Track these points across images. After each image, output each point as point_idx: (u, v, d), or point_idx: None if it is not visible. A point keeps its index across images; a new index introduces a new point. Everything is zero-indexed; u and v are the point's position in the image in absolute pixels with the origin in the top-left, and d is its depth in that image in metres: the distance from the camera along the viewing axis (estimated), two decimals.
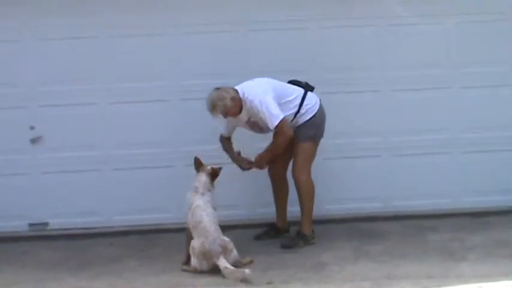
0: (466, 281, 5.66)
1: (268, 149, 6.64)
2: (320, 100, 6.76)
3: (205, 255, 6.04)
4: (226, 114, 6.51)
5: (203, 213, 6.19)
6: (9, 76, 7.30)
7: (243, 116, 6.57)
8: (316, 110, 6.69)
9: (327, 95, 7.23)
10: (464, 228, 7.07)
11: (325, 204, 7.37)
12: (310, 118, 6.67)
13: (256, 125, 6.63)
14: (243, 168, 6.77)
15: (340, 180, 7.42)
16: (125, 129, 7.39)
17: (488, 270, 5.90)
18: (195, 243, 6.10)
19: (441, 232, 7.00)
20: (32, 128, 7.34)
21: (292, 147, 6.69)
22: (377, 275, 5.89)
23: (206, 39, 7.28)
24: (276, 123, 6.40)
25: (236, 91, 6.50)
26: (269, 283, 5.83)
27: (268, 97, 6.43)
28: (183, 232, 6.54)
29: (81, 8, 7.25)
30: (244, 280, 5.80)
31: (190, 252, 6.14)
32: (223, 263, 5.96)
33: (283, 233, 7.03)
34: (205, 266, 6.07)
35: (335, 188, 7.41)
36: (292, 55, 7.32)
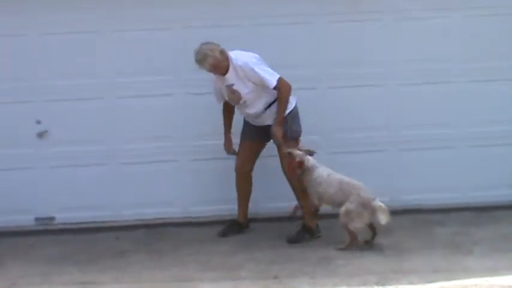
0: (473, 274, 5.66)
1: (279, 110, 6.59)
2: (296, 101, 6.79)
3: (364, 203, 6.29)
4: (214, 68, 6.58)
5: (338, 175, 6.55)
6: (15, 70, 7.30)
7: (228, 78, 6.61)
8: (292, 107, 6.70)
9: (333, 90, 7.29)
10: (470, 223, 7.06)
11: None
12: (288, 114, 6.66)
13: (235, 93, 6.64)
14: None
15: (347, 175, 7.39)
16: (131, 123, 7.39)
17: (495, 264, 5.91)
18: (349, 204, 6.31)
19: (448, 226, 7.00)
20: (38, 122, 7.35)
21: (261, 145, 6.83)
22: (383, 269, 5.89)
23: (212, 33, 7.23)
24: (276, 79, 6.52)
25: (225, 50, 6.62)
26: (275, 277, 5.84)
27: (259, 60, 6.58)
28: (189, 226, 6.59)
29: (85, 2, 7.25)
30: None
31: (346, 218, 6.32)
32: (378, 202, 6.30)
33: (244, 229, 7.06)
34: (366, 218, 6.28)
35: None
36: (300, 50, 7.31)
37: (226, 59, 6.58)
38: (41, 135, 7.37)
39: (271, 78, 6.53)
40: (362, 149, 7.47)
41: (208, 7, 7.28)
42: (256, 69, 6.53)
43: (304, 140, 7.15)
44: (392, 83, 7.42)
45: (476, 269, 5.81)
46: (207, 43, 6.61)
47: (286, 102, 6.61)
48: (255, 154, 6.91)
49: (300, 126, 6.76)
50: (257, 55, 6.68)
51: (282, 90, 6.56)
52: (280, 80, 6.53)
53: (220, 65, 6.59)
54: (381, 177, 7.47)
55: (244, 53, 6.66)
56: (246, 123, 6.91)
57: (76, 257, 6.59)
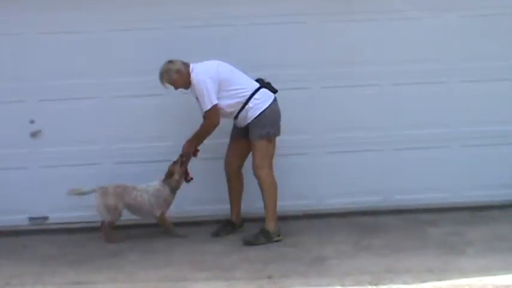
0: (466, 274, 5.66)
1: (195, 134, 6.79)
2: (275, 99, 6.75)
3: None
4: (173, 85, 6.81)
5: None
6: (9, 70, 7.29)
7: (192, 91, 6.77)
8: (264, 107, 6.69)
9: (327, 90, 7.31)
10: (464, 222, 7.08)
11: (326, 198, 7.42)
12: (260, 114, 6.67)
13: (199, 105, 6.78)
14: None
15: (341, 174, 7.43)
16: (125, 123, 7.39)
17: (488, 264, 5.91)
18: None
19: (441, 226, 7.01)
20: (32, 122, 7.34)
21: (247, 144, 6.79)
22: (377, 269, 5.89)
23: (205, 33, 7.27)
24: (207, 108, 6.60)
25: (186, 65, 6.74)
26: (269, 277, 5.83)
27: (209, 81, 6.62)
28: (184, 226, 6.57)
29: (81, 2, 7.24)
30: None
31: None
32: None
33: (238, 229, 7.08)
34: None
35: (336, 182, 7.42)
36: (293, 49, 7.33)
37: (185, 75, 6.71)
38: (34, 134, 7.36)
39: (207, 103, 6.60)
40: (355, 149, 7.48)
41: (200, 7, 7.28)
42: (201, 87, 6.62)
43: (297, 140, 7.20)
44: (386, 82, 7.43)
45: (469, 268, 5.81)
46: (169, 62, 6.78)
47: (202, 136, 6.78)
48: (241, 152, 6.92)
49: (272, 128, 6.71)
50: (221, 66, 6.72)
51: (206, 122, 6.71)
52: (210, 111, 6.62)
53: (177, 83, 6.79)
54: (375, 177, 7.50)
55: (205, 68, 6.70)
56: (233, 124, 6.94)
57: (70, 257, 6.58)
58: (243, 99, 6.67)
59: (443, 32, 7.42)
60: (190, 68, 6.72)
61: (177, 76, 6.73)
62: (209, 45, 7.24)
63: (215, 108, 6.61)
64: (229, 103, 6.67)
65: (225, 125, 6.92)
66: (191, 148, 6.85)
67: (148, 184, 6.96)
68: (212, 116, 6.64)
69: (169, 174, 6.92)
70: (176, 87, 6.83)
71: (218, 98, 6.63)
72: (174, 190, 6.95)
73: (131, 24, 7.28)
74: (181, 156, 6.88)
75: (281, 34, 7.32)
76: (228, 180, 7.02)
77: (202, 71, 6.67)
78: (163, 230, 7.01)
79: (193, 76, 6.67)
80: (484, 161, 7.51)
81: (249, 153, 6.88)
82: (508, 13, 7.43)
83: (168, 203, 6.97)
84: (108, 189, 6.89)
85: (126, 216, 7.28)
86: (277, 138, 6.80)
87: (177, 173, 6.90)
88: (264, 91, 6.75)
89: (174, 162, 6.92)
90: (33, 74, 7.30)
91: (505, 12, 7.43)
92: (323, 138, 7.37)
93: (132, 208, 6.97)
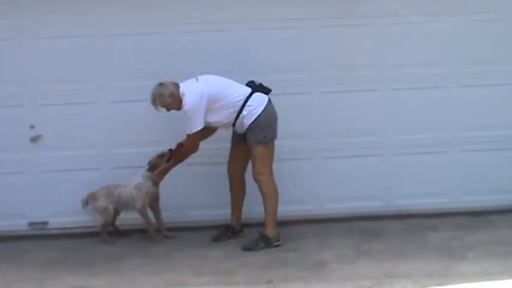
0: (466, 279, 5.67)
1: (171, 161, 6.95)
2: (269, 101, 6.71)
3: None
4: (166, 108, 6.77)
5: None
6: (9, 74, 7.29)
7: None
8: (259, 112, 6.64)
9: (327, 94, 7.30)
10: (464, 227, 7.07)
11: (326, 203, 7.42)
12: (255, 120, 6.64)
13: None
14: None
15: (340, 179, 7.43)
16: (125, 127, 7.39)
17: (488, 268, 5.91)
18: None
19: (441, 231, 7.01)
20: (32, 126, 7.34)
21: (247, 149, 6.76)
22: (377, 274, 5.89)
23: (207, 37, 7.28)
24: (189, 132, 6.63)
25: (177, 87, 6.69)
26: (269, 282, 5.83)
27: (197, 109, 6.56)
28: (184, 231, 6.56)
29: (80, 6, 7.25)
30: None
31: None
32: None
33: (238, 233, 7.07)
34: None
35: (336, 186, 7.42)
36: (292, 54, 7.33)
37: (177, 97, 6.66)
38: (34, 139, 7.36)
39: (188, 128, 6.62)
40: (355, 154, 7.48)
41: (202, 11, 7.28)
42: (190, 114, 6.60)
43: (297, 145, 7.20)
44: (386, 87, 7.44)
45: (469, 273, 5.81)
46: (160, 86, 6.71)
47: (179, 160, 6.91)
48: (243, 157, 6.89)
49: (268, 132, 6.66)
50: (209, 85, 6.63)
51: (185, 147, 6.81)
52: (191, 135, 6.66)
53: (170, 106, 6.74)
54: (375, 182, 7.50)
55: (195, 94, 6.59)
56: (232, 130, 6.94)
57: (69, 262, 6.58)
58: (237, 108, 6.63)
59: (443, 37, 7.42)
60: (181, 91, 6.65)
61: (170, 100, 6.67)
62: (209, 50, 7.25)
63: (195, 135, 6.63)
64: (224, 116, 6.65)
65: (224, 131, 6.92)
66: (163, 175, 7.03)
67: (131, 180, 7.04)
68: (191, 141, 6.72)
69: (154, 167, 6.99)
70: (168, 110, 6.78)
71: (212, 112, 6.60)
72: (156, 183, 7.01)
73: (131, 28, 7.28)
74: (170, 150, 6.95)
75: (281, 39, 7.32)
76: (231, 185, 7.01)
77: (193, 99, 6.57)
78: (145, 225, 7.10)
79: (184, 103, 6.60)
80: (483, 166, 7.52)
81: (250, 158, 6.87)
82: (508, 17, 7.44)
83: (150, 196, 7.01)
84: (96, 194, 7.06)
85: (126, 221, 7.32)
86: (277, 143, 6.77)
87: (162, 168, 6.99)
88: (256, 95, 6.70)
89: (161, 156, 6.98)
90: (33, 78, 7.30)
91: (505, 17, 7.44)
92: (323, 143, 7.37)
93: (119, 205, 7.06)
